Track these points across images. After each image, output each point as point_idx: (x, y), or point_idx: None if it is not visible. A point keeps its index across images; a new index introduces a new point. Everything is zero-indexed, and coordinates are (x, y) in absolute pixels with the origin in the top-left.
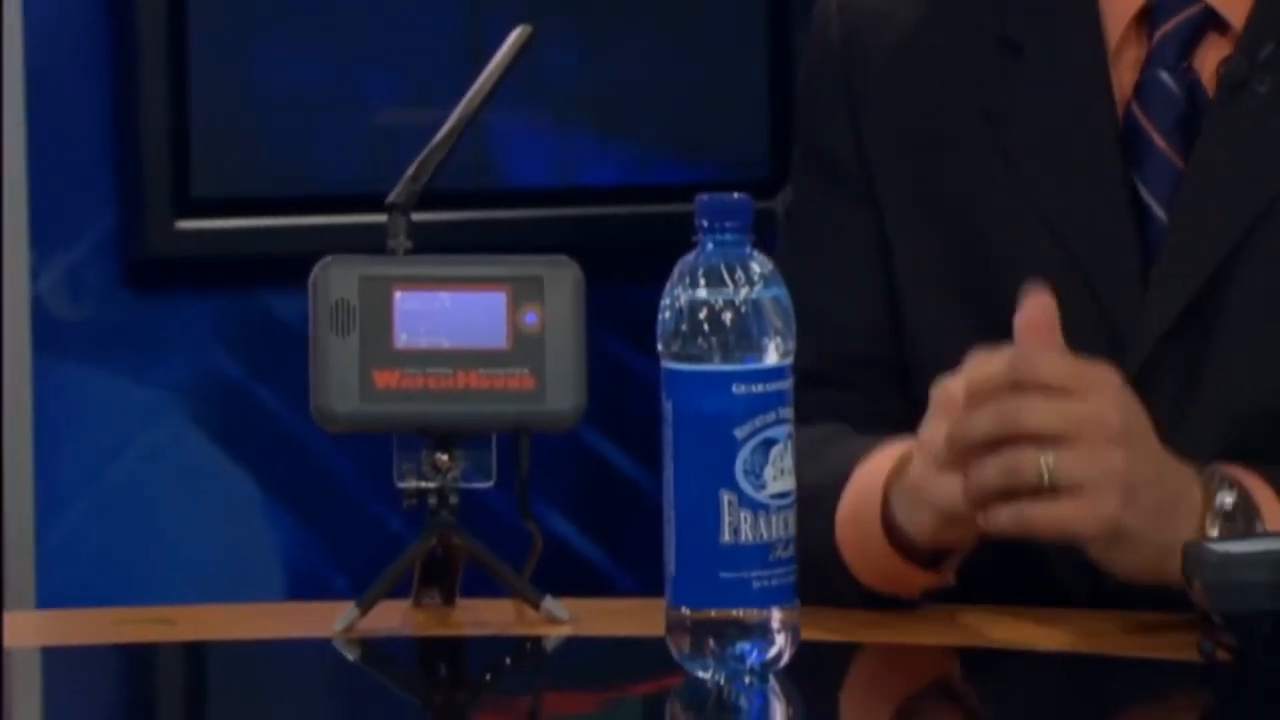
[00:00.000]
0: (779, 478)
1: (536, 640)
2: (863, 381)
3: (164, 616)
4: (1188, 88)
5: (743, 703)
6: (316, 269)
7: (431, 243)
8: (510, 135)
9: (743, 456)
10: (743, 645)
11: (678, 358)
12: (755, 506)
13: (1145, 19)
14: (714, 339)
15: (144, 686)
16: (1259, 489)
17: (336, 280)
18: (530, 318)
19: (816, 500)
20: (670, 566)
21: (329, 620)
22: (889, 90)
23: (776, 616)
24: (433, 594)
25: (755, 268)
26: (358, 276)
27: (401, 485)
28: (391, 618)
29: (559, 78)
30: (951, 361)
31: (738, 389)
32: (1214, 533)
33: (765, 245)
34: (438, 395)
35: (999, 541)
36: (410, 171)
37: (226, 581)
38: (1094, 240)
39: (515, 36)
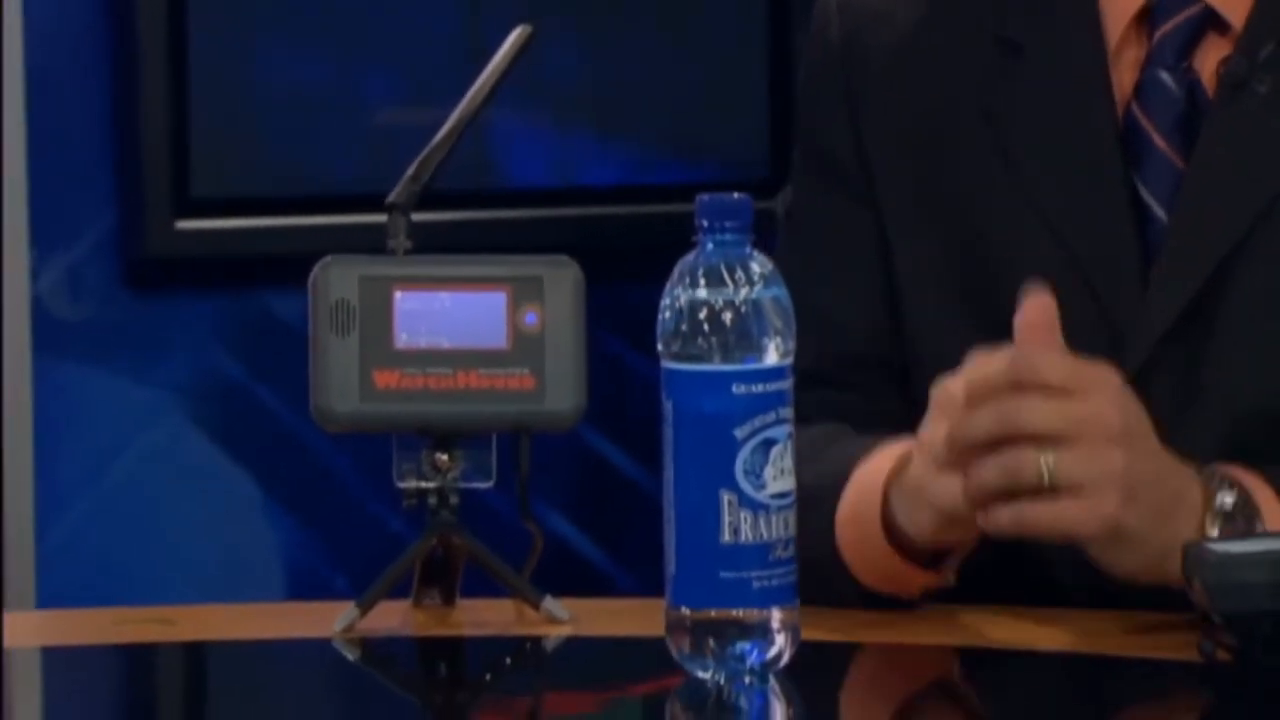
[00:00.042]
0: (779, 477)
1: (536, 640)
2: (862, 381)
3: (164, 616)
4: (1188, 88)
5: (743, 703)
6: (316, 269)
7: (431, 243)
8: (510, 135)
9: (743, 456)
10: (743, 645)
11: (678, 358)
12: (755, 506)
13: (1145, 19)
14: (714, 339)
15: (144, 686)
16: (1259, 489)
17: (337, 280)
18: (530, 318)
19: (816, 500)
20: (670, 566)
21: (329, 620)
22: (889, 90)
23: (776, 616)
24: (433, 594)
25: (755, 268)
26: (358, 276)
27: (401, 485)
28: (391, 618)
29: (559, 78)
30: (951, 361)
31: (738, 389)
32: (1214, 533)
33: (765, 245)
34: (438, 395)
35: (999, 541)
36: (410, 171)
37: (226, 581)
38: (1094, 240)
39: (515, 36)
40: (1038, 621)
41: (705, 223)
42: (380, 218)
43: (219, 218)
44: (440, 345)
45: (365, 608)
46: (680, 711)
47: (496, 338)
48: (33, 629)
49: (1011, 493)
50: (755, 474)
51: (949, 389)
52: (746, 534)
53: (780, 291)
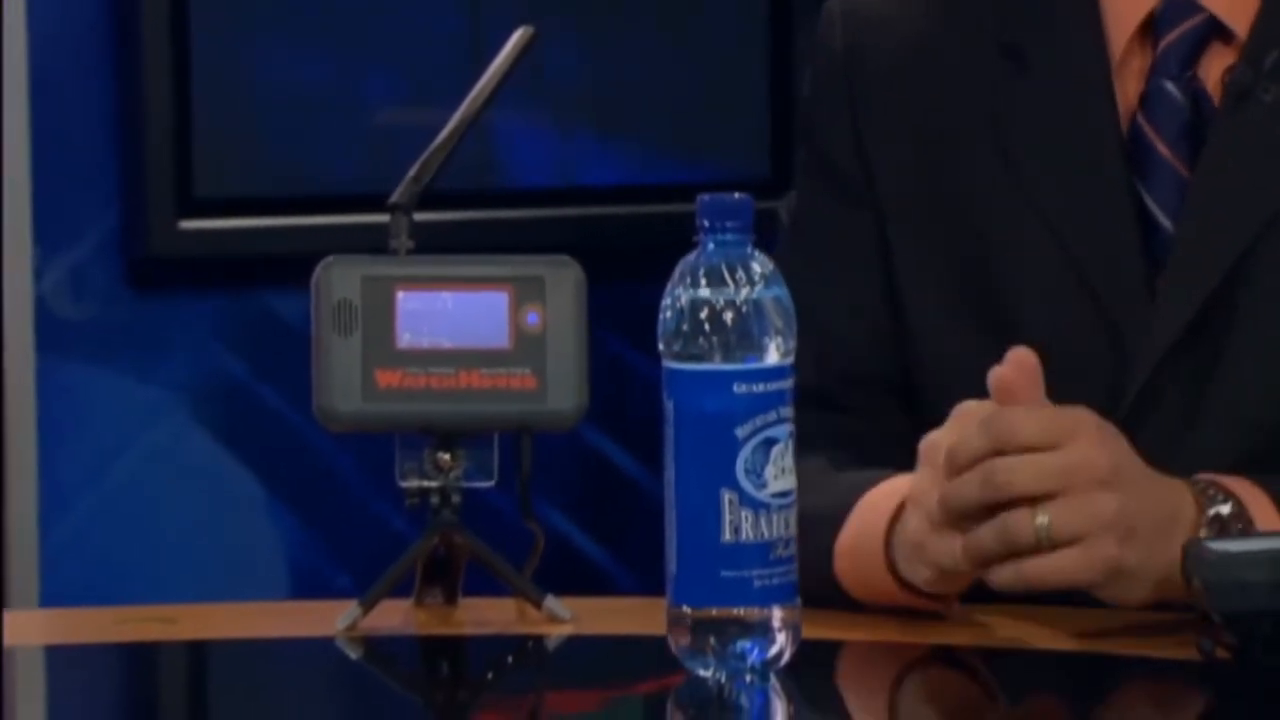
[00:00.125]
0: (780, 476)
1: (538, 639)
2: (864, 403)
3: (166, 615)
4: (1192, 97)
5: (744, 701)
6: (319, 269)
7: (433, 243)
8: (512, 135)
9: (744, 455)
10: (744, 644)
11: (679, 357)
12: (756, 505)
13: (1149, 29)
14: (715, 338)
15: (146, 685)
16: (1253, 499)
17: (339, 280)
18: (532, 317)
19: (814, 529)
20: (671, 565)
21: (331, 619)
22: (892, 97)
23: (777, 615)
24: (435, 593)
25: (756, 267)
26: (360, 276)
27: (404, 484)
28: (393, 617)
29: (560, 78)
30: (952, 364)
31: (739, 388)
32: None
33: (766, 245)
34: (440, 395)
35: None
36: (412, 172)
37: (229, 580)
38: (1098, 250)
39: (517, 37)
40: (1038, 620)
41: (706, 223)
42: (382, 218)
43: (222, 218)
44: (442, 345)
45: (367, 607)
46: (681, 710)
47: (498, 337)
48: (35, 628)
49: (1010, 553)
50: (756, 473)
51: (935, 442)
52: (747, 533)
53: (781, 291)
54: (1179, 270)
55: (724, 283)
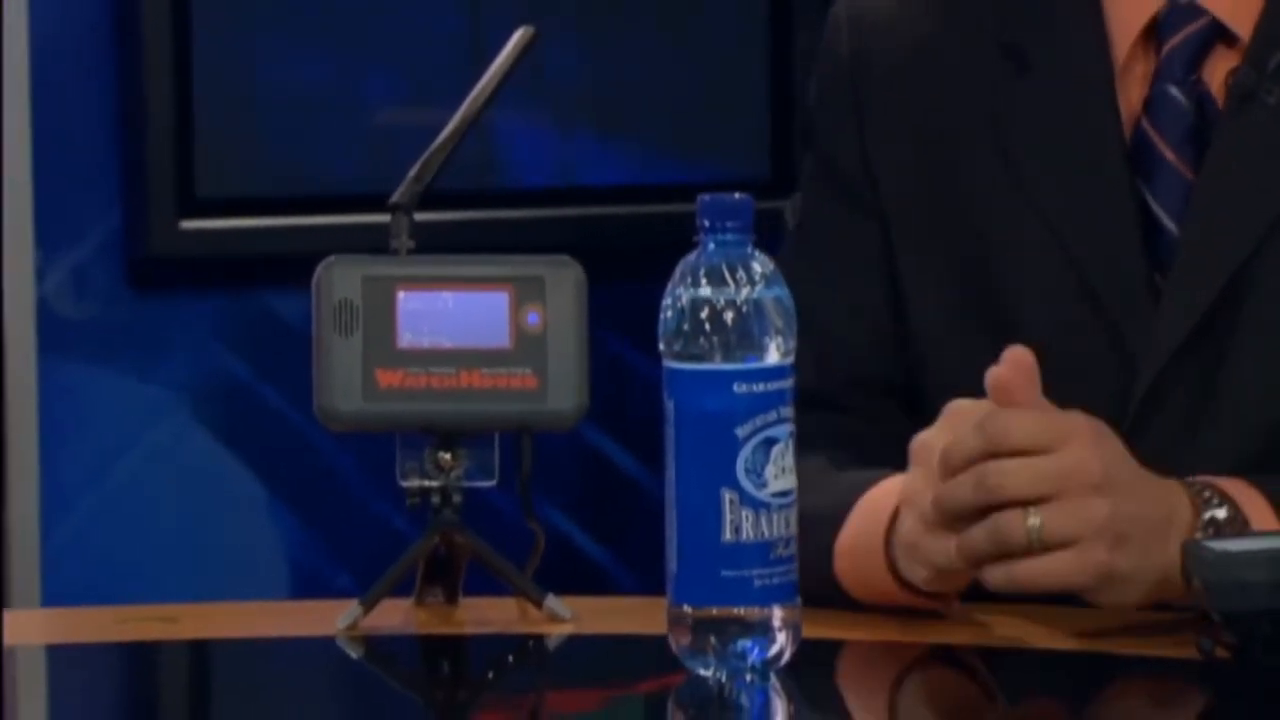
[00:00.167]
0: (780, 476)
1: (539, 638)
2: (865, 405)
3: (167, 615)
4: (1197, 100)
5: (744, 701)
6: (320, 269)
7: (434, 243)
8: (512, 136)
9: (744, 455)
10: (744, 643)
11: (679, 357)
12: (757, 505)
13: (1152, 33)
14: (715, 338)
15: (147, 685)
16: (1249, 502)
17: (340, 280)
18: (532, 317)
19: (814, 528)
20: (672, 565)
21: (332, 618)
22: (896, 101)
23: (778, 614)
24: (435, 592)
25: (756, 267)
26: (361, 276)
27: (405, 484)
28: (394, 616)
29: (560, 78)
30: (954, 367)
31: (739, 388)
32: None
33: (766, 245)
34: (440, 394)
35: None
36: (413, 172)
37: (230, 580)
38: (1100, 252)
39: (518, 38)
40: (1038, 620)
41: (706, 223)
42: (383, 218)
43: (223, 218)
44: (443, 345)
45: (368, 606)
46: (682, 709)
47: (499, 337)
48: (37, 627)
49: (1003, 554)
50: (757, 472)
51: (926, 442)
52: (748, 532)
53: (781, 291)
54: (1184, 273)
55: (724, 282)
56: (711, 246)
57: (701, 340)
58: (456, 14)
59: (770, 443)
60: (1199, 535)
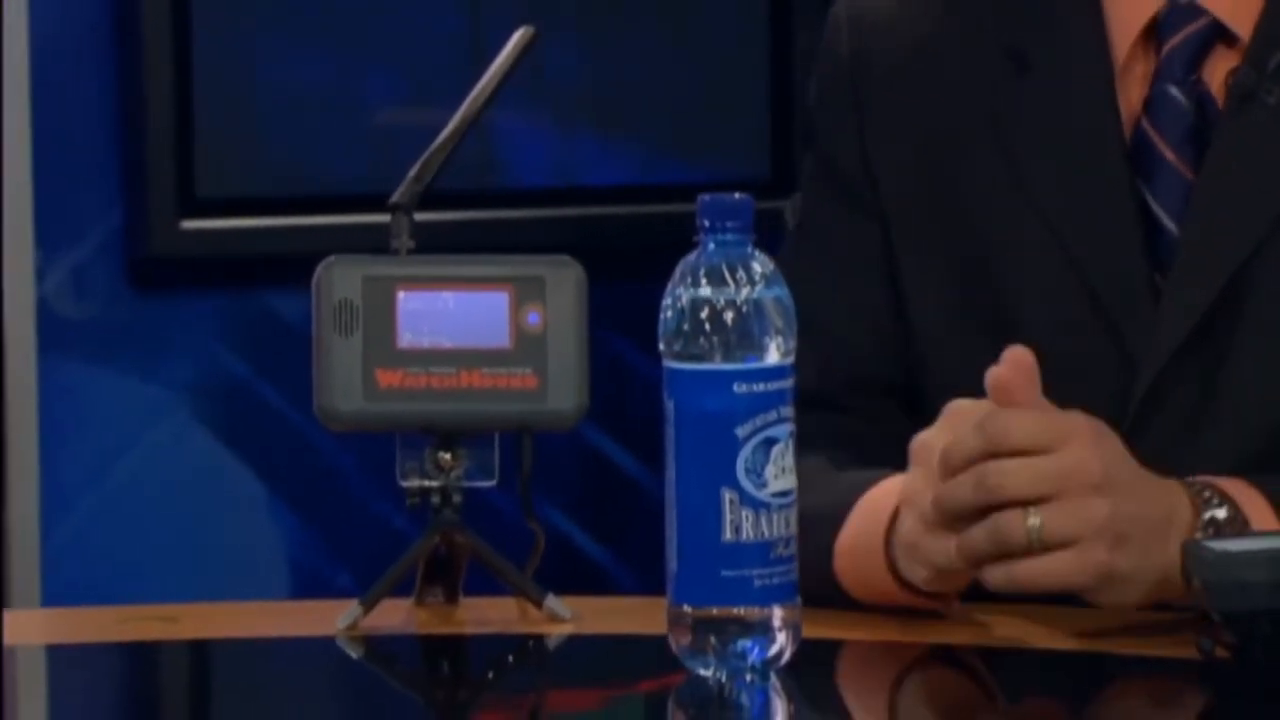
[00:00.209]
0: (780, 476)
1: (539, 638)
2: (865, 405)
3: (168, 614)
4: (1197, 100)
5: (744, 700)
6: (320, 269)
7: (434, 243)
8: (512, 136)
9: (744, 455)
10: (744, 643)
11: (679, 357)
12: (757, 505)
13: (1152, 33)
14: (715, 338)
15: (148, 685)
16: (1249, 502)
17: (340, 280)
18: (532, 317)
19: (814, 528)
20: (672, 564)
21: (332, 618)
22: (897, 102)
23: (778, 614)
24: (436, 592)
25: (756, 267)
26: (361, 276)
27: (405, 484)
28: (394, 616)
29: (560, 78)
30: (954, 368)
31: (739, 388)
32: None
33: (766, 245)
34: (441, 394)
35: None
36: (413, 172)
37: (230, 580)
38: (1100, 252)
39: (518, 38)
40: (1038, 620)
41: (707, 223)
42: (383, 218)
43: (223, 218)
44: (443, 345)
45: (368, 606)
46: (682, 709)
47: (499, 337)
48: (37, 627)
49: (1003, 554)
50: (757, 472)
51: (926, 441)
52: (748, 532)
53: (781, 291)
54: (1184, 272)
55: (724, 282)
56: (711, 246)
57: (701, 340)
58: (456, 14)
59: (770, 443)
60: (1199, 535)
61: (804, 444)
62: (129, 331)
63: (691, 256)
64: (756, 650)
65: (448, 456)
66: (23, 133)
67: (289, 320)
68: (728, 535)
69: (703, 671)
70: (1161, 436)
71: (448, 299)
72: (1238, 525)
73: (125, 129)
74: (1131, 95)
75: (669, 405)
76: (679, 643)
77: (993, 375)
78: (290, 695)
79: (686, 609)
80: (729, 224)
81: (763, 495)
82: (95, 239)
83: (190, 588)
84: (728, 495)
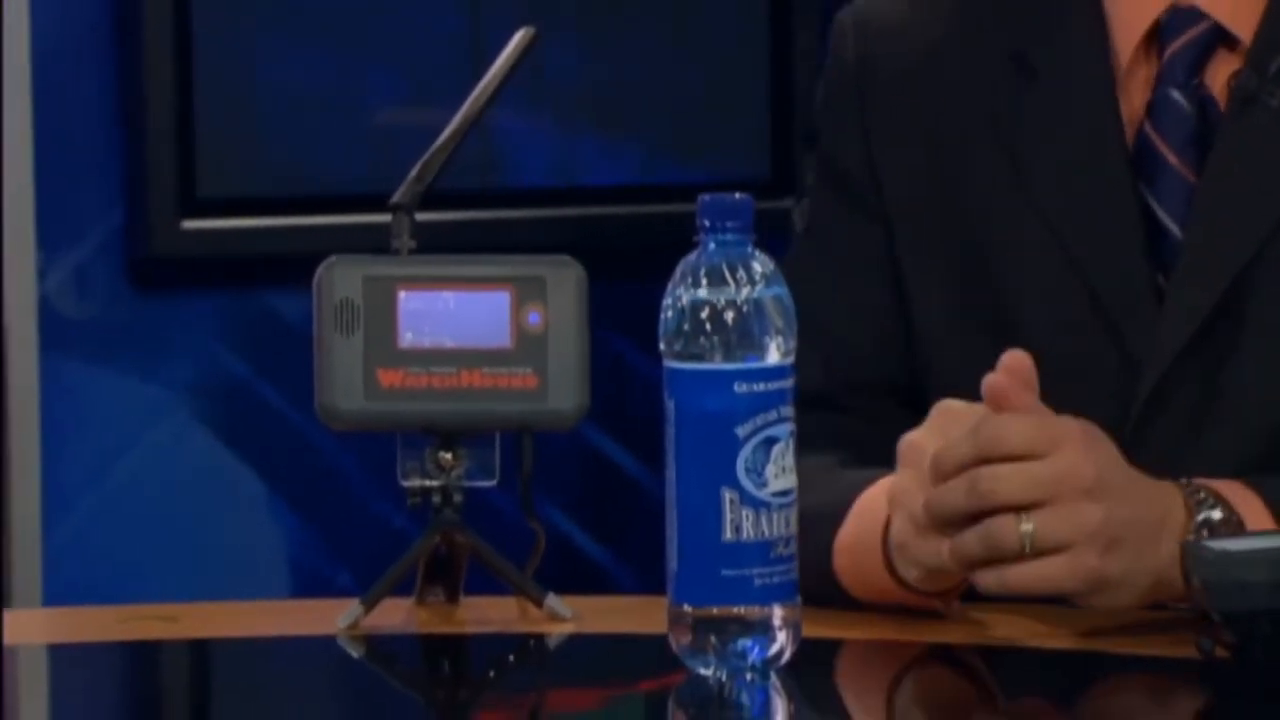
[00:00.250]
0: (780, 475)
1: (539, 638)
2: (866, 405)
3: (168, 614)
4: (1199, 104)
5: (744, 700)
6: (321, 269)
7: (435, 243)
8: (513, 136)
9: (744, 455)
10: (744, 642)
11: (680, 357)
12: (757, 504)
13: (1154, 38)
14: (716, 338)
15: (148, 684)
16: (1244, 503)
17: (341, 280)
18: (533, 317)
19: (814, 527)
20: (672, 564)
21: (333, 617)
22: (902, 104)
23: (778, 614)
24: (436, 591)
25: (756, 267)
26: (362, 276)
27: (405, 483)
28: (395, 615)
29: (561, 79)
30: (957, 367)
31: (739, 388)
32: None
33: (766, 245)
34: (441, 394)
35: None
36: (414, 172)
37: (231, 579)
38: (1103, 255)
39: (519, 38)
40: (1037, 619)
41: (707, 223)
42: (384, 218)
43: (224, 218)
44: (444, 344)
45: (369, 605)
46: (682, 708)
47: (500, 337)
48: (38, 626)
49: (995, 558)
50: (757, 472)
51: (914, 442)
52: (748, 531)
53: (782, 291)
54: (1186, 275)
55: (725, 282)
56: (712, 246)
57: (702, 340)
58: (456, 14)
59: (770, 442)
60: (1193, 538)
61: (805, 444)
62: (130, 331)
63: (692, 256)
64: (757, 649)
65: (448, 456)
66: (24, 133)
67: (290, 320)
68: (728, 535)
69: (703, 671)
70: (1164, 438)
71: (448, 299)
72: (1232, 527)
73: (126, 129)
74: (1134, 99)
75: (669, 405)
76: (679, 642)
77: (989, 382)
78: (291, 695)
79: (687, 608)
80: (729, 224)
81: (763, 495)
82: (96, 239)
83: (191, 587)
84: (728, 495)
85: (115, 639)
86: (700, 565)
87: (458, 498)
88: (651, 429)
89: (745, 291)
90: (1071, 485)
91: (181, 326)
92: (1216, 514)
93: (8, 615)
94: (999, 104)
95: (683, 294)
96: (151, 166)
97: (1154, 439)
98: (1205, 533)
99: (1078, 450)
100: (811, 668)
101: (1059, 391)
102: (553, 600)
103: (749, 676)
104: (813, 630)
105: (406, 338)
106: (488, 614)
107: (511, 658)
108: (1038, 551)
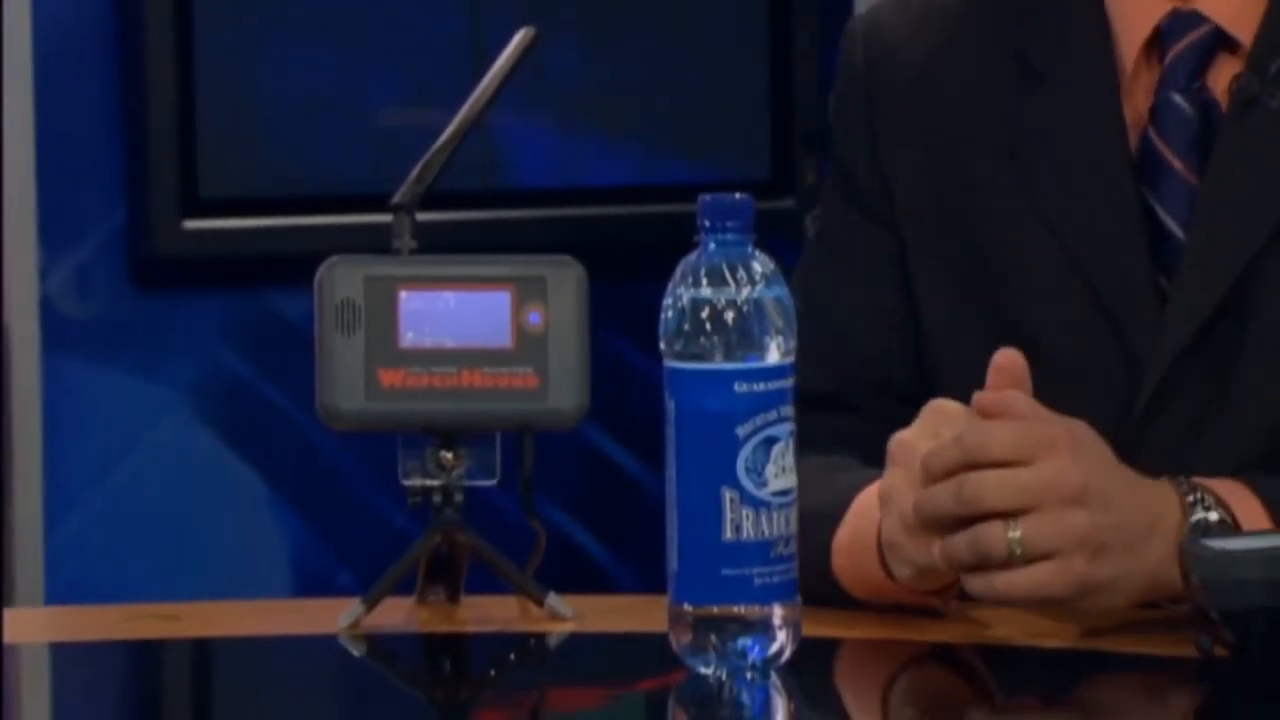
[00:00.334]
0: (780, 475)
1: (540, 637)
2: (871, 405)
3: (170, 613)
4: (1201, 107)
5: (744, 698)
6: (322, 269)
7: (436, 243)
8: (514, 136)
9: (744, 454)
10: (744, 641)
11: (680, 356)
12: (757, 504)
13: (1156, 42)
14: (716, 338)
15: (150, 683)
16: (1240, 503)
17: (342, 280)
18: (534, 317)
19: (813, 526)
20: (672, 563)
21: (334, 617)
22: (910, 110)
23: (778, 613)
24: (437, 591)
25: (757, 267)
26: (363, 276)
27: (406, 483)
28: (396, 614)
29: (562, 79)
30: (963, 369)
31: (739, 387)
32: None
33: (767, 245)
34: (442, 394)
35: None
36: (415, 172)
37: (232, 578)
38: (1106, 258)
39: (519, 38)
40: (1036, 618)
41: (707, 223)
42: (385, 218)
43: (226, 218)
44: (445, 344)
45: (370, 604)
46: (683, 707)
47: (500, 337)
48: (40, 625)
49: (984, 564)
50: (757, 471)
51: (904, 441)
52: (748, 531)
53: (782, 291)
54: (1189, 276)
55: (725, 282)
56: (712, 246)
57: (702, 340)
58: (457, 14)
59: (771, 442)
60: (1187, 538)
61: (806, 444)
62: (132, 331)
63: (692, 256)
64: (757, 648)
65: (449, 456)
66: (26, 133)
67: (291, 320)
68: (728, 534)
69: (703, 670)
70: (1166, 438)
71: (449, 299)
72: (1228, 528)
73: (128, 129)
74: (1137, 103)
75: (670, 405)
76: (679, 641)
77: (977, 398)
78: (292, 694)
79: (687, 607)
80: (729, 224)
81: (763, 494)
82: (98, 239)
83: (192, 586)
84: (728, 494)
85: (117, 638)
86: (700, 564)
87: (458, 497)
88: (651, 429)
89: (745, 291)
90: (1058, 492)
91: (183, 326)
92: (1212, 515)
93: (10, 614)
94: (1004, 108)
95: (683, 294)
96: (153, 166)
97: (1155, 439)
98: (1200, 534)
99: (1064, 456)
100: (811, 667)
101: (1061, 391)
102: (553, 599)
103: (749, 675)
104: (812, 630)
105: (407, 337)
106: (488, 613)
107: (512, 657)
108: (1026, 558)
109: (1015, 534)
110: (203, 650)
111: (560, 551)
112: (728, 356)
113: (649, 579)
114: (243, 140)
